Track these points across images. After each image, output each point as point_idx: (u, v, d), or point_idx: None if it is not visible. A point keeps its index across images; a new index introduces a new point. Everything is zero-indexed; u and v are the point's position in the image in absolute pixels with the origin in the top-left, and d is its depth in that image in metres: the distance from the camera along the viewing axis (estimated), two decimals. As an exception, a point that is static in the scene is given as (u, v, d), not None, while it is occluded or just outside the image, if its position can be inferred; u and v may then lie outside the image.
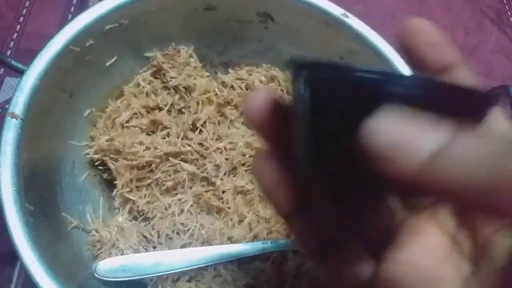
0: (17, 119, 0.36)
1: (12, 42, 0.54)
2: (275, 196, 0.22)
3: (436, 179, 0.13)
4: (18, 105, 0.37)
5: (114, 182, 0.44)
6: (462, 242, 0.20)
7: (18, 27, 0.55)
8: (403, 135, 0.14)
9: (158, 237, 0.42)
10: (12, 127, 0.36)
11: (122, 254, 0.40)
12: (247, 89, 0.51)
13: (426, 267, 0.19)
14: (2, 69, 0.52)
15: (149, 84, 0.49)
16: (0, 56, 0.41)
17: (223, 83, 0.51)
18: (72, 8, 0.58)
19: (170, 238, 0.43)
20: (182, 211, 0.44)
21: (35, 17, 0.56)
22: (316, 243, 0.22)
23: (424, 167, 0.13)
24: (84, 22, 0.42)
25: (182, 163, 0.44)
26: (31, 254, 0.32)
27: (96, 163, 0.45)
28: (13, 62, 0.40)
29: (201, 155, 0.46)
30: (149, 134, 0.46)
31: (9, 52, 0.53)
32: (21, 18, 0.56)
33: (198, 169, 0.45)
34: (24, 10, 0.56)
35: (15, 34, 0.54)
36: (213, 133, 0.47)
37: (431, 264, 0.19)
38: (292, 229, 0.23)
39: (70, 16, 0.57)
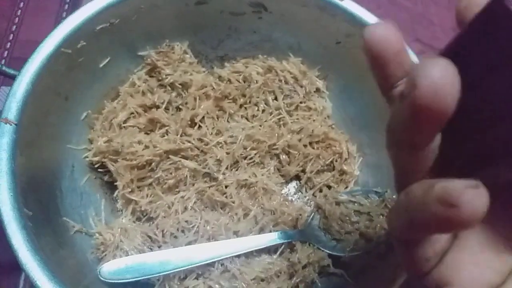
0: (11, 125, 0.36)
1: (6, 52, 0.53)
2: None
3: None
4: (11, 110, 0.36)
5: (115, 184, 0.44)
6: None
7: (11, 36, 0.55)
8: None
9: (163, 236, 0.42)
10: (6, 133, 0.35)
11: (127, 255, 0.40)
12: (244, 82, 0.50)
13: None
14: (-2, 78, 0.52)
15: (144, 83, 0.48)
16: (-9, 63, 0.40)
17: (219, 77, 0.50)
18: (64, 14, 0.57)
19: (175, 237, 0.42)
20: (185, 208, 0.43)
21: (27, 25, 0.56)
22: None
23: None
24: (74, 24, 0.41)
25: (183, 160, 0.44)
26: (31, 259, 0.32)
27: (96, 166, 0.44)
28: (4, 68, 0.40)
29: (202, 150, 0.45)
30: (147, 133, 0.46)
31: (3, 61, 0.53)
32: (14, 27, 0.55)
33: (200, 165, 0.44)
34: (16, 19, 0.56)
35: (8, 44, 0.54)
36: (213, 128, 0.46)
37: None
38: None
39: (62, 22, 0.56)
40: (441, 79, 0.15)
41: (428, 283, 0.21)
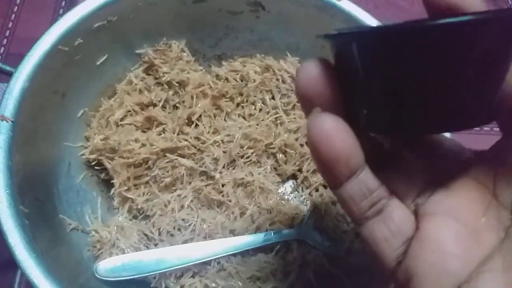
0: (7, 122, 0.36)
1: (2, 48, 0.53)
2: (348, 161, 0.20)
3: None
4: (8, 107, 0.36)
5: (112, 182, 0.43)
6: (501, 193, 0.20)
7: (8, 32, 0.54)
8: None
9: (159, 234, 0.42)
10: (2, 130, 0.35)
11: (123, 253, 0.40)
12: (241, 81, 0.50)
13: (466, 219, 0.20)
14: (-6, 75, 0.51)
15: (141, 81, 0.48)
16: (-13, 60, 0.40)
17: (217, 76, 0.50)
18: (61, 11, 0.57)
19: (172, 235, 0.42)
20: (182, 207, 0.43)
21: (24, 22, 0.56)
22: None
23: None
24: (72, 21, 0.41)
25: (180, 159, 0.44)
26: (28, 257, 0.32)
27: (93, 164, 0.44)
28: (1, 65, 0.40)
29: (199, 149, 0.45)
30: (144, 131, 0.46)
31: (0, 58, 0.52)
32: (10, 24, 0.55)
33: (196, 163, 0.44)
34: (13, 16, 0.56)
35: (5, 40, 0.54)
36: (210, 127, 0.46)
37: (471, 217, 0.20)
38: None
39: (59, 19, 0.56)
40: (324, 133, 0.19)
41: (399, 280, 0.21)
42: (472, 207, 0.20)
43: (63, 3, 0.58)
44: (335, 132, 0.20)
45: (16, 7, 0.56)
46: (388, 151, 0.24)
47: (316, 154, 0.20)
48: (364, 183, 0.21)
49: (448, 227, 0.20)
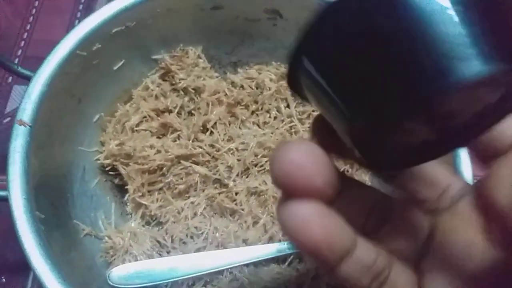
0: (25, 126, 0.36)
1: (20, 50, 0.54)
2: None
3: None
4: (26, 112, 0.36)
5: (126, 187, 0.44)
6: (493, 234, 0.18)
7: (25, 34, 0.55)
8: None
9: (172, 241, 0.42)
10: (20, 135, 0.35)
11: (136, 260, 0.40)
12: (257, 88, 0.50)
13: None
14: (11, 77, 0.52)
15: (158, 86, 0.48)
16: (7, 64, 0.40)
17: (232, 83, 0.50)
18: (79, 14, 0.58)
19: (184, 243, 0.42)
20: (195, 214, 0.43)
21: (42, 24, 0.56)
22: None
23: None
24: (90, 26, 0.41)
25: (194, 166, 0.44)
26: (43, 263, 0.32)
27: (107, 169, 0.44)
28: (20, 69, 0.40)
29: (213, 156, 0.45)
30: (159, 137, 0.46)
31: (16, 60, 0.53)
32: (28, 26, 0.55)
33: (210, 171, 0.44)
34: (31, 18, 0.56)
35: (23, 42, 0.54)
36: (224, 134, 0.46)
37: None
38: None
39: (76, 22, 0.57)
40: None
41: None
42: None
43: (81, 6, 0.58)
44: (313, 218, 0.17)
45: (34, 10, 0.57)
46: (389, 203, 0.22)
47: (295, 244, 0.17)
48: (359, 261, 0.19)
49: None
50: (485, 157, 0.19)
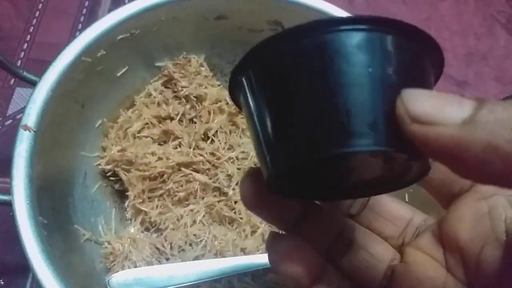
0: (30, 131, 0.36)
1: (23, 53, 0.54)
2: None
3: (469, 143, 0.14)
4: (31, 117, 0.37)
5: (126, 193, 0.44)
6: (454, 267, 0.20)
7: (28, 37, 0.55)
8: (437, 104, 0.15)
9: (171, 248, 0.42)
10: (25, 139, 0.36)
11: (135, 266, 0.40)
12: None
13: None
14: (13, 79, 0.52)
15: (160, 94, 0.48)
16: (12, 69, 0.40)
17: (234, 92, 0.50)
18: (82, 18, 0.58)
19: (183, 250, 0.42)
20: (194, 222, 0.44)
21: (45, 27, 0.56)
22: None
23: (459, 132, 0.14)
24: (96, 33, 0.41)
25: (194, 173, 0.44)
26: (45, 268, 0.32)
27: (108, 174, 0.45)
28: (25, 73, 0.40)
29: (213, 165, 0.45)
30: (160, 144, 0.46)
31: (19, 63, 0.53)
32: (31, 28, 0.56)
33: (210, 179, 0.45)
34: (34, 21, 0.56)
35: (25, 45, 0.54)
36: (225, 143, 0.47)
37: None
38: None
39: (80, 26, 0.57)
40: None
41: None
42: None
43: (84, 10, 0.59)
44: (292, 254, 0.22)
45: (37, 12, 0.57)
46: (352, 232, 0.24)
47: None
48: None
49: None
50: (443, 200, 0.22)
